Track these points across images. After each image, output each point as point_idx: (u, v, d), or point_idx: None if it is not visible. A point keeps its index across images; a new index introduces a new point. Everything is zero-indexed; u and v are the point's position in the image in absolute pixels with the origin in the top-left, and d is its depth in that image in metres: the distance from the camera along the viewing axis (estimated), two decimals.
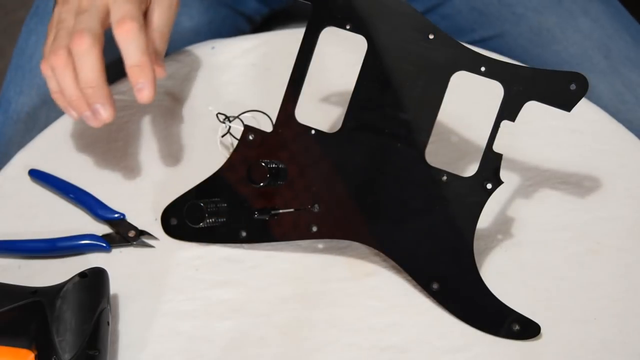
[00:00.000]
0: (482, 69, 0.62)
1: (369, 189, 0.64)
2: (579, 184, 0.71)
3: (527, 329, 0.62)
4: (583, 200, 0.70)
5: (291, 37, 0.79)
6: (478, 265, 0.65)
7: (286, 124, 0.66)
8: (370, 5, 0.64)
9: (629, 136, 0.74)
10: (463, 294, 0.63)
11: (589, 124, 0.74)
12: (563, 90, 0.60)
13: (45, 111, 0.80)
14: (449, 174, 0.63)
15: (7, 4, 1.76)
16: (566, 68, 0.80)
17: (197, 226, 0.64)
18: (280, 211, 0.65)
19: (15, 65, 0.85)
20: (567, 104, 0.60)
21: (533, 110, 0.74)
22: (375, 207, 0.64)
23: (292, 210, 0.65)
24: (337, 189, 0.65)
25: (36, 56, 0.83)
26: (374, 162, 0.64)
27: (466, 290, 0.63)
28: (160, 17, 0.66)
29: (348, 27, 0.64)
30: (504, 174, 0.63)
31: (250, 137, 0.66)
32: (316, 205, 0.64)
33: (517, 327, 0.62)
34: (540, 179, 0.71)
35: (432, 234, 0.64)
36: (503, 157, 0.62)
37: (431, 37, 0.63)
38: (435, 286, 0.63)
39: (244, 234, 0.66)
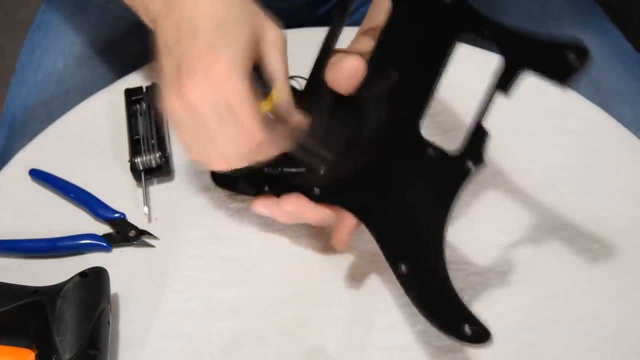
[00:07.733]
0: (485, 32, 0.57)
1: (366, 152, 0.62)
2: (579, 184, 0.71)
3: (478, 335, 0.56)
4: (583, 200, 0.70)
5: (291, 37, 0.79)
6: (479, 265, 0.65)
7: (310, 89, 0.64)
8: None
9: (629, 136, 0.74)
10: (426, 281, 0.60)
11: (589, 124, 0.74)
12: (560, 60, 0.52)
13: None
14: (435, 148, 0.60)
15: (7, 4, 1.76)
16: None
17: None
18: (293, 170, 0.64)
19: (20, 80, 0.84)
20: (563, 77, 0.52)
21: (534, 109, 0.75)
22: (366, 173, 0.62)
23: (302, 170, 0.63)
24: (341, 151, 0.61)
25: (41, 71, 0.82)
26: (377, 125, 0.62)
27: (429, 277, 0.59)
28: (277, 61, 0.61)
29: None
30: (503, 174, 0.64)
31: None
32: (322, 168, 0.62)
33: (468, 331, 0.56)
34: (540, 178, 0.71)
35: (408, 210, 0.61)
36: (502, 157, 0.66)
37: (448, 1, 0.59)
38: (403, 268, 0.60)
39: (266, 187, 0.65)
